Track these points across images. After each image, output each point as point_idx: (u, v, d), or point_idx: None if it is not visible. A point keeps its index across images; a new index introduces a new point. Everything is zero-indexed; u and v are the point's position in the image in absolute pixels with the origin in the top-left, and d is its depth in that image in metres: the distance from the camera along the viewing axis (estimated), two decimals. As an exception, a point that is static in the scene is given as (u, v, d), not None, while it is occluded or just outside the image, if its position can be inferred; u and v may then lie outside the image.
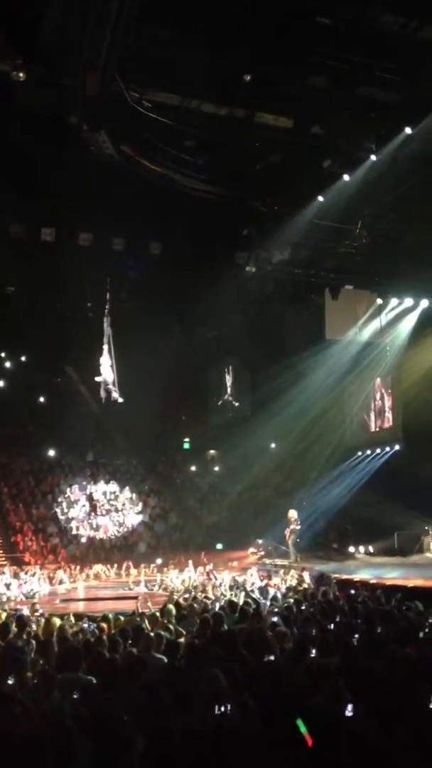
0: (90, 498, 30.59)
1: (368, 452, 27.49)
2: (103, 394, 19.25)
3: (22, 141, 13.79)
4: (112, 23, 10.42)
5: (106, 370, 18.90)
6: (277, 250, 18.63)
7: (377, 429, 27.71)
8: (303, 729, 4.43)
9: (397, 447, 25.83)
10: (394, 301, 22.19)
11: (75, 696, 5.83)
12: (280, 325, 25.81)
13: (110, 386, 18.95)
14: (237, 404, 31.61)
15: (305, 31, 11.71)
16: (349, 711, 4.97)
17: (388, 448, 26.37)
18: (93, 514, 29.74)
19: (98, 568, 23.97)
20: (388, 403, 27.00)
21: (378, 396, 27.61)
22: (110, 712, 4.91)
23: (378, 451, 26.91)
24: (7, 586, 19.51)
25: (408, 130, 13.68)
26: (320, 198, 16.07)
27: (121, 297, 19.93)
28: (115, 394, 19.10)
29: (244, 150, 15.18)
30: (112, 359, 18.92)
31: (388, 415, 26.99)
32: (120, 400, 19.34)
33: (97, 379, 19.09)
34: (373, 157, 14.54)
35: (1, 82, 12.05)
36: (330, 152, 15.12)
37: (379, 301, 22.08)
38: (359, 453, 27.88)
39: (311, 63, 12.39)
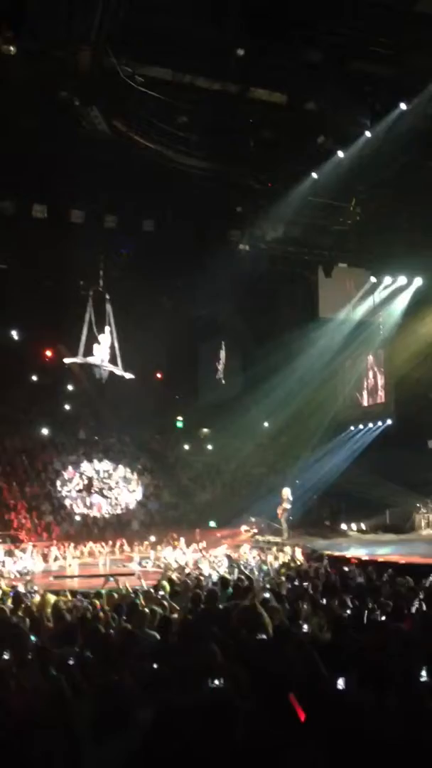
0: (83, 476, 30.66)
1: (360, 427, 27.61)
2: (103, 374, 19.09)
3: (13, 116, 13.64)
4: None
5: (104, 350, 18.70)
6: (270, 228, 18.56)
7: (369, 404, 27.83)
8: (295, 702, 4.49)
9: (389, 421, 25.93)
10: (387, 279, 22.17)
11: (72, 670, 5.89)
12: (273, 302, 25.78)
13: (108, 365, 18.78)
14: (230, 382, 31.64)
15: (300, 5, 11.57)
16: (341, 684, 5.04)
17: (380, 423, 26.47)
18: (86, 492, 29.82)
19: (92, 546, 24.08)
20: (380, 380, 27.07)
21: (371, 374, 27.68)
22: (108, 685, 4.97)
23: (370, 425, 27.02)
24: (2, 563, 19.59)
25: (403, 106, 13.59)
26: (314, 175, 15.98)
27: (113, 274, 19.81)
28: (120, 372, 18.94)
29: (237, 126, 15.04)
30: (113, 338, 18.73)
31: (381, 392, 27.08)
32: (130, 376, 19.17)
33: (91, 360, 18.90)
34: (367, 133, 14.44)
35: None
36: (324, 128, 14.99)
37: (373, 279, 22.05)
38: (351, 428, 28.00)
39: (305, 37, 12.24)
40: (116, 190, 16.42)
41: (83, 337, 18.40)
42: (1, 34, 11.45)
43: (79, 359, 18.94)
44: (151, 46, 12.47)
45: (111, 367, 18.83)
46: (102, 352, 18.69)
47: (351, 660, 5.58)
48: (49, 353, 33.26)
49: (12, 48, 11.46)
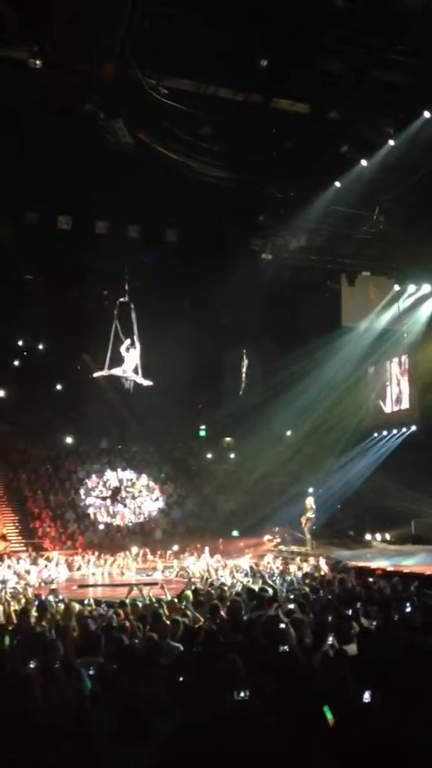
0: (107, 485, 30.78)
1: (384, 433, 27.34)
2: (129, 384, 19.12)
3: (38, 129, 13.80)
4: (128, 8, 10.37)
5: (129, 361, 18.70)
6: (293, 237, 18.57)
7: (394, 411, 27.60)
8: (329, 717, 4.46)
9: (413, 428, 25.65)
10: (411, 288, 22.02)
11: (94, 680, 5.90)
12: (296, 311, 25.71)
13: (132, 375, 18.80)
14: (253, 391, 31.59)
15: (322, 15, 11.60)
16: (366, 698, 4.99)
17: (404, 429, 26.21)
18: (110, 501, 29.91)
19: (119, 558, 23.97)
20: (405, 388, 26.85)
21: (395, 381, 27.48)
22: (130, 696, 4.96)
23: (394, 432, 26.75)
24: (27, 572, 19.69)
25: (426, 114, 13.56)
26: (337, 183, 15.98)
27: (137, 284, 19.93)
28: (140, 380, 18.95)
29: (260, 136, 15.08)
30: (137, 348, 18.71)
31: (405, 399, 26.87)
32: (148, 383, 19.16)
33: (116, 372, 18.91)
34: (391, 142, 14.42)
35: (17, 70, 12.06)
36: (347, 137, 14.99)
37: (397, 287, 21.91)
38: (375, 434, 27.74)
39: (328, 47, 12.28)
40: (140, 201, 16.54)
41: (110, 349, 18.50)
42: (26, 48, 11.63)
43: (105, 372, 19.00)
44: (175, 57, 12.58)
45: (134, 377, 18.87)
46: (127, 363, 18.73)
47: (377, 673, 5.51)
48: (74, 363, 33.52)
49: (38, 61, 11.62)
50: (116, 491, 30.29)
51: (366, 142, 14.93)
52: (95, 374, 20.61)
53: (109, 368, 18.84)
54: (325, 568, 17.26)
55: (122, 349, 18.53)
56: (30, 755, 4.43)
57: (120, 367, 18.73)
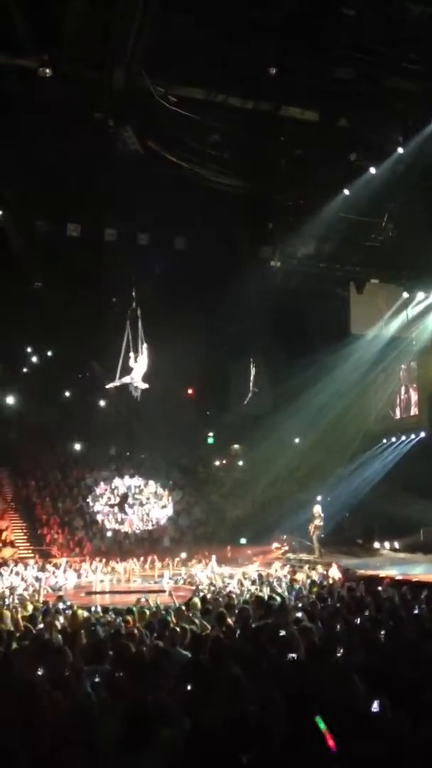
0: (115, 492, 30.78)
1: (393, 440, 27.23)
2: (137, 393, 19.12)
3: (47, 137, 13.87)
4: (137, 17, 10.42)
5: (137, 369, 18.69)
6: (301, 244, 18.56)
7: (402, 417, 27.52)
8: (322, 727, 4.41)
9: (422, 434, 25.54)
10: (420, 295, 21.95)
11: (101, 687, 5.87)
12: (304, 319, 25.68)
13: (139, 383, 18.81)
14: (261, 399, 31.53)
15: (331, 23, 11.62)
16: (375, 707, 4.95)
17: (413, 436, 26.11)
18: (118, 507, 29.91)
19: (126, 565, 23.96)
20: (414, 396, 26.78)
21: (403, 388, 27.41)
22: (137, 704, 4.94)
23: (403, 438, 26.65)
24: (35, 578, 19.70)
25: (435, 122, 13.53)
26: (346, 191, 15.96)
27: (146, 292, 19.96)
28: (142, 384, 18.93)
29: (269, 144, 15.10)
30: (145, 355, 18.71)
31: (414, 405, 26.80)
32: (144, 386, 19.12)
33: (126, 380, 18.92)
34: (400, 150, 14.39)
35: (26, 79, 12.13)
36: (356, 145, 14.97)
37: (406, 295, 21.85)
38: (384, 441, 27.63)
39: (337, 55, 12.28)
40: (149, 209, 16.57)
41: (121, 359, 18.53)
42: (36, 57, 11.70)
43: (117, 382, 19.01)
44: (184, 66, 12.61)
45: (142, 385, 18.87)
46: (135, 371, 18.74)
47: (385, 682, 5.47)
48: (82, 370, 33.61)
49: (47, 70, 11.69)
50: (124, 498, 30.29)
51: (375, 150, 14.91)
52: (108, 386, 20.58)
53: (120, 377, 18.86)
54: (334, 575, 17.18)
55: (132, 356, 18.57)
56: (36, 762, 4.41)
57: (129, 375, 18.75)
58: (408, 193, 16.29)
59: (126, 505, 30.05)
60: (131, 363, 18.66)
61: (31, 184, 15.24)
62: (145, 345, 18.52)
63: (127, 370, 18.85)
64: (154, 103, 12.90)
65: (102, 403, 33.72)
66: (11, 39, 11.46)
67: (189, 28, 11.66)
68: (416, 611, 9.82)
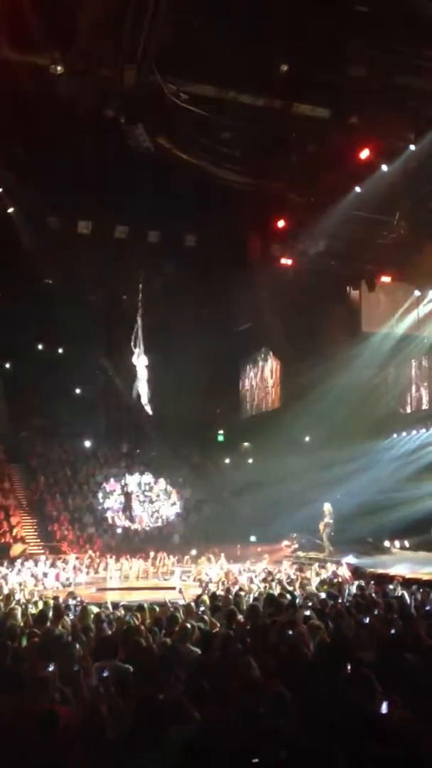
0: (125, 489, 30.84)
1: (404, 434, 27.10)
2: (135, 391, 19.18)
3: (59, 135, 13.91)
4: (149, 14, 10.42)
5: (141, 366, 18.76)
6: (312, 242, 18.50)
7: (413, 412, 27.43)
8: None
9: None
10: (431, 293, 21.88)
11: (111, 683, 5.89)
12: (316, 317, 25.63)
13: (143, 385, 18.87)
14: (271, 397, 31.52)
15: (343, 20, 11.58)
16: (384, 708, 4.94)
17: (424, 430, 25.98)
18: (128, 504, 29.96)
19: (136, 563, 24.00)
20: (425, 394, 26.69)
21: (414, 389, 27.31)
22: (146, 700, 4.95)
23: (414, 432, 26.51)
24: (45, 575, 19.77)
25: (448, 119, 13.47)
26: (357, 189, 15.90)
27: (156, 289, 20.01)
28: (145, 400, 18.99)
29: (280, 141, 15.08)
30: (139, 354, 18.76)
31: (425, 401, 26.74)
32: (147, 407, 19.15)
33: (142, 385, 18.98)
34: (411, 147, 14.33)
35: (39, 76, 12.16)
36: (368, 142, 14.92)
37: (417, 293, 21.78)
38: (394, 435, 27.50)
39: (348, 52, 12.25)
40: (159, 206, 16.60)
41: (135, 354, 18.61)
42: (49, 55, 11.73)
43: (136, 391, 19.07)
44: (195, 63, 12.62)
45: (143, 388, 18.90)
46: (139, 370, 18.83)
47: (396, 681, 5.46)
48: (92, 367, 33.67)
49: (59, 68, 11.72)
50: (129, 495, 30.31)
51: (387, 148, 14.86)
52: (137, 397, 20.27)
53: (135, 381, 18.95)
54: (344, 574, 17.14)
55: (134, 357, 18.65)
56: (47, 757, 4.44)
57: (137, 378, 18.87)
58: (419, 191, 16.21)
59: (136, 503, 30.09)
60: (133, 359, 18.74)
61: (42, 181, 15.28)
62: (141, 349, 18.57)
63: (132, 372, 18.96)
64: (166, 101, 12.91)
65: (112, 400, 33.77)
66: (24, 36, 11.48)
67: (200, 26, 11.67)
68: (428, 608, 9.79)
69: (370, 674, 5.41)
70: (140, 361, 18.63)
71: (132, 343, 18.56)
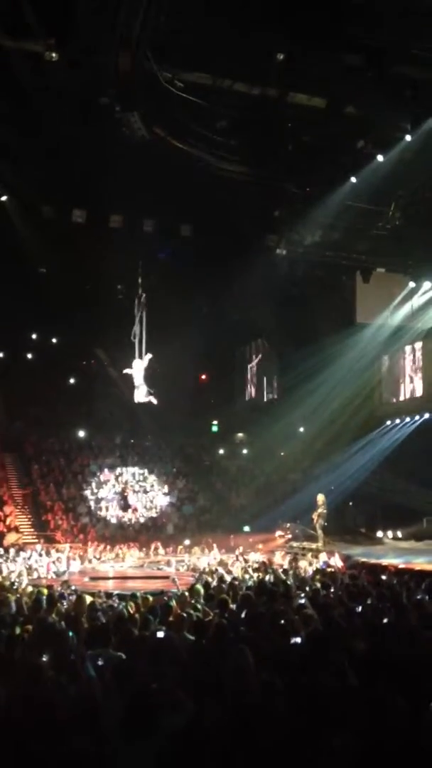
0: (119, 479, 30.88)
1: (397, 421, 27.17)
2: (144, 397, 19.13)
3: (53, 122, 13.82)
4: (145, 1, 10.35)
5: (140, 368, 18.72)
6: (308, 232, 18.46)
7: (406, 399, 27.55)
8: None
9: (426, 415, 25.46)
10: (426, 284, 21.88)
11: (104, 671, 5.92)
12: (310, 308, 25.64)
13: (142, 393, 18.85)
14: (266, 387, 31.57)
15: (339, 9, 11.51)
16: (376, 692, 4.97)
17: (417, 417, 26.05)
18: (122, 494, 30.01)
19: (131, 552, 24.07)
20: (419, 384, 26.79)
21: (409, 371, 27.42)
22: (140, 688, 4.97)
23: (407, 419, 26.58)
24: (39, 564, 19.82)
25: (444, 110, 13.42)
26: (353, 179, 15.85)
27: (151, 279, 19.94)
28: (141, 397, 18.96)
29: (276, 130, 14.99)
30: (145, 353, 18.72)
31: (419, 388, 26.87)
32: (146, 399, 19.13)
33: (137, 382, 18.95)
34: (408, 137, 14.29)
35: (34, 63, 12.07)
36: (364, 132, 14.88)
37: (412, 284, 21.79)
38: (388, 422, 27.57)
39: (345, 41, 12.18)
40: (154, 195, 16.52)
41: (136, 344, 18.57)
42: (44, 41, 11.64)
43: (138, 391, 19.01)
44: (191, 51, 12.54)
45: (142, 394, 18.86)
46: (136, 370, 18.80)
47: (387, 669, 5.50)
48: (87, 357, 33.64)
49: (54, 54, 11.63)
50: (125, 485, 30.37)
51: (383, 138, 14.82)
52: (126, 370, 20.22)
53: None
54: (336, 564, 17.23)
55: (134, 363, 18.61)
56: (41, 746, 4.45)
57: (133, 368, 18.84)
58: (415, 182, 16.18)
59: (131, 492, 30.13)
60: (133, 366, 18.69)
61: (36, 169, 15.19)
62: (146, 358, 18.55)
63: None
64: (161, 89, 12.83)
65: (106, 390, 33.78)
66: (19, 23, 11.39)
67: (196, 13, 11.58)
68: (418, 597, 9.86)
69: (363, 662, 5.45)
70: (139, 366, 18.58)
71: (136, 349, 18.50)
